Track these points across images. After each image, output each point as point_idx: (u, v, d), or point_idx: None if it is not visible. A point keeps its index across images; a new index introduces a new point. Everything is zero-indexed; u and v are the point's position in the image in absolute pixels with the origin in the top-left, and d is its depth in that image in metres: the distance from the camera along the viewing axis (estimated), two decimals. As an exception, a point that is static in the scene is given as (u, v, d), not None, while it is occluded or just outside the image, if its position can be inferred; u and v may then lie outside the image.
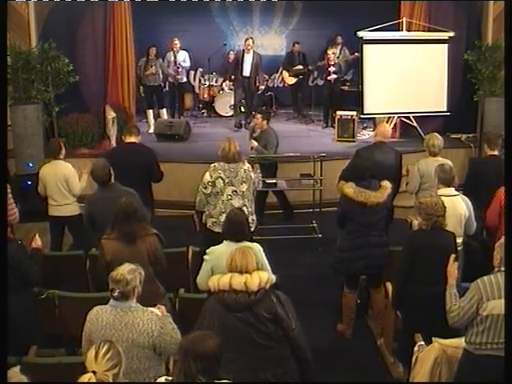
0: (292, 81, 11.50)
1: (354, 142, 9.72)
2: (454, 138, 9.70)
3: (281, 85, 12.66)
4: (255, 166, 7.17)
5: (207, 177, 5.68)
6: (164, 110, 10.87)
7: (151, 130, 10.38)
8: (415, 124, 9.79)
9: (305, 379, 3.66)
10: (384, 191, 5.22)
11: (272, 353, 3.55)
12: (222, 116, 11.83)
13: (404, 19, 9.50)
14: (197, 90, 12.40)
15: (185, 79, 11.40)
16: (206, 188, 5.67)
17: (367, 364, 5.16)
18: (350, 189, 5.19)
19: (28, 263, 4.46)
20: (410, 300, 4.52)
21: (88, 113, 9.55)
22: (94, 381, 2.85)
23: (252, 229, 5.52)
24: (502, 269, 3.67)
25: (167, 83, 11.27)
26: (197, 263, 4.88)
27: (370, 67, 9.57)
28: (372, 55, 9.56)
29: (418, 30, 9.60)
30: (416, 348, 4.18)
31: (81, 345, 3.73)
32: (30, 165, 8.22)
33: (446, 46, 9.49)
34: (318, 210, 7.66)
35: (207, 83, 11.89)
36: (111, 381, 2.91)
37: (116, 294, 3.59)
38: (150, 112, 10.68)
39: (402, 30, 9.53)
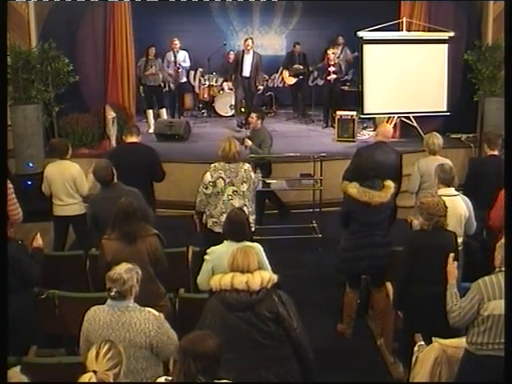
0: (292, 81, 11.49)
1: (354, 141, 9.72)
2: (454, 138, 9.69)
3: (281, 85, 12.66)
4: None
5: (208, 177, 5.67)
6: (164, 110, 10.86)
7: (151, 130, 10.37)
8: (415, 124, 9.78)
9: (306, 379, 3.65)
10: (388, 191, 5.22)
11: (274, 352, 3.54)
12: (221, 116, 11.81)
13: (404, 19, 9.51)
14: (197, 90, 12.39)
15: (185, 79, 11.40)
16: (206, 188, 5.67)
17: (367, 364, 5.16)
18: (353, 189, 5.19)
19: (29, 263, 4.46)
20: (411, 300, 4.52)
21: (88, 113, 9.56)
22: (95, 380, 2.85)
23: (252, 229, 5.51)
24: (503, 269, 3.66)
25: (167, 83, 11.26)
26: (197, 263, 4.88)
27: (370, 67, 9.57)
28: (372, 55, 9.56)
29: (418, 30, 9.60)
30: (416, 348, 4.18)
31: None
32: (30, 165, 8.22)
33: (445, 46, 9.48)
34: (318, 209, 7.65)
35: (207, 83, 11.89)
36: (112, 380, 2.91)
37: (113, 293, 3.59)
38: (150, 112, 10.67)
39: (402, 30, 9.53)
